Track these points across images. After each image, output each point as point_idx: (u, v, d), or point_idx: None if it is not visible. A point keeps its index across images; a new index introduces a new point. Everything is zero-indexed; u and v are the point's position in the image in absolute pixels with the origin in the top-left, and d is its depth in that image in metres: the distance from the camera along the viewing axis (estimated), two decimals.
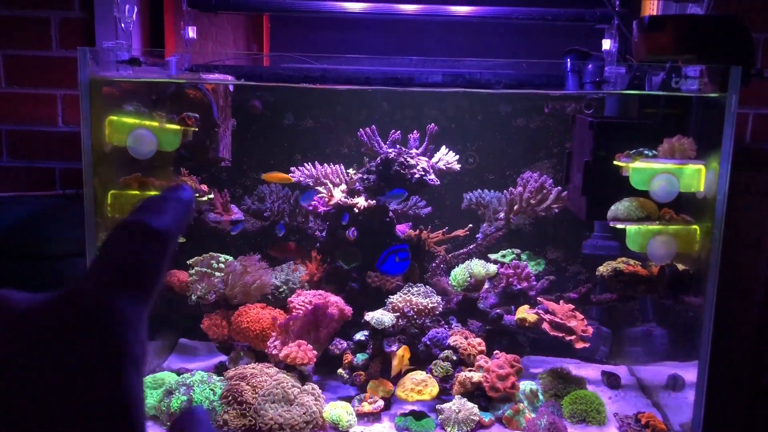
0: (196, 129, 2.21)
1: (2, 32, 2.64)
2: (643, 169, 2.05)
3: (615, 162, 2.12)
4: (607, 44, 2.35)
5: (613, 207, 2.13)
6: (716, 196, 1.97)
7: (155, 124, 2.07)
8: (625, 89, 2.18)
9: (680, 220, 2.11)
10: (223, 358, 2.50)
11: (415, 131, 2.55)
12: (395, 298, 2.40)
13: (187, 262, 2.57)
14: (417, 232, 2.62)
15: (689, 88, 2.04)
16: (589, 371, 2.59)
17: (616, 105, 2.60)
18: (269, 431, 2.08)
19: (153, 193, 2.10)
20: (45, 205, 2.55)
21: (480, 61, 2.12)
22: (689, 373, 2.13)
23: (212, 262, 2.56)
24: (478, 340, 2.36)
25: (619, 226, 2.10)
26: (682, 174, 2.04)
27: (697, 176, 2.04)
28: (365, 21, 2.91)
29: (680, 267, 2.19)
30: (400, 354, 2.25)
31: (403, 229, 2.63)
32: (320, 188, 2.55)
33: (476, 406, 2.17)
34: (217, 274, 2.53)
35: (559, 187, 2.56)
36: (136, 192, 2.09)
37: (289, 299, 2.37)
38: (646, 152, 2.07)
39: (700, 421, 2.09)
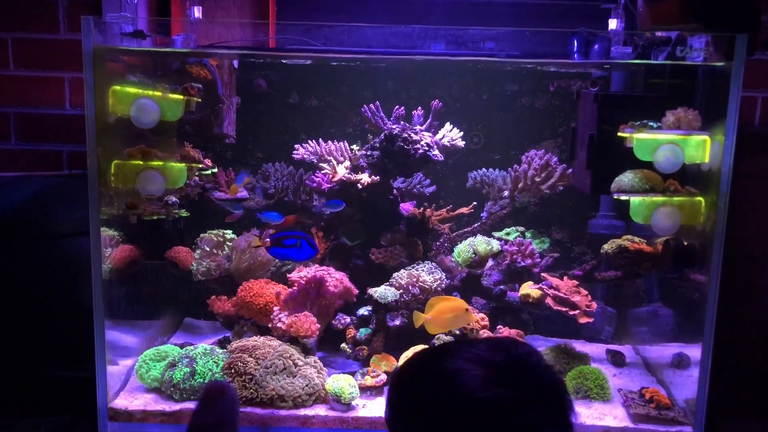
0: (199, 99, 2.22)
1: (10, 15, 2.66)
2: (648, 139, 2.03)
3: (619, 133, 2.11)
4: (613, 24, 2.33)
5: (617, 179, 2.11)
6: (721, 167, 1.96)
7: (158, 93, 2.08)
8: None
9: (685, 191, 2.09)
10: (228, 334, 2.50)
11: (419, 108, 2.55)
12: (399, 275, 2.39)
13: (198, 238, 2.58)
14: (421, 210, 2.61)
15: (695, 60, 2.02)
16: (594, 350, 2.57)
17: (621, 83, 2.58)
18: (271, 402, 2.08)
19: (156, 163, 2.11)
20: (51, 185, 2.56)
21: (483, 30, 2.11)
22: (696, 353, 2.11)
23: (217, 239, 2.56)
24: (482, 315, 2.34)
25: (623, 197, 2.09)
26: (686, 145, 2.02)
27: (702, 147, 2.02)
28: (371, 3, 2.91)
29: (685, 242, 2.16)
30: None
31: (407, 206, 2.63)
32: (324, 164, 2.55)
33: None
34: (222, 251, 2.53)
35: (564, 165, 2.55)
36: (139, 162, 2.09)
37: (289, 275, 2.37)
38: (650, 123, 2.06)
39: (705, 396, 2.07)
